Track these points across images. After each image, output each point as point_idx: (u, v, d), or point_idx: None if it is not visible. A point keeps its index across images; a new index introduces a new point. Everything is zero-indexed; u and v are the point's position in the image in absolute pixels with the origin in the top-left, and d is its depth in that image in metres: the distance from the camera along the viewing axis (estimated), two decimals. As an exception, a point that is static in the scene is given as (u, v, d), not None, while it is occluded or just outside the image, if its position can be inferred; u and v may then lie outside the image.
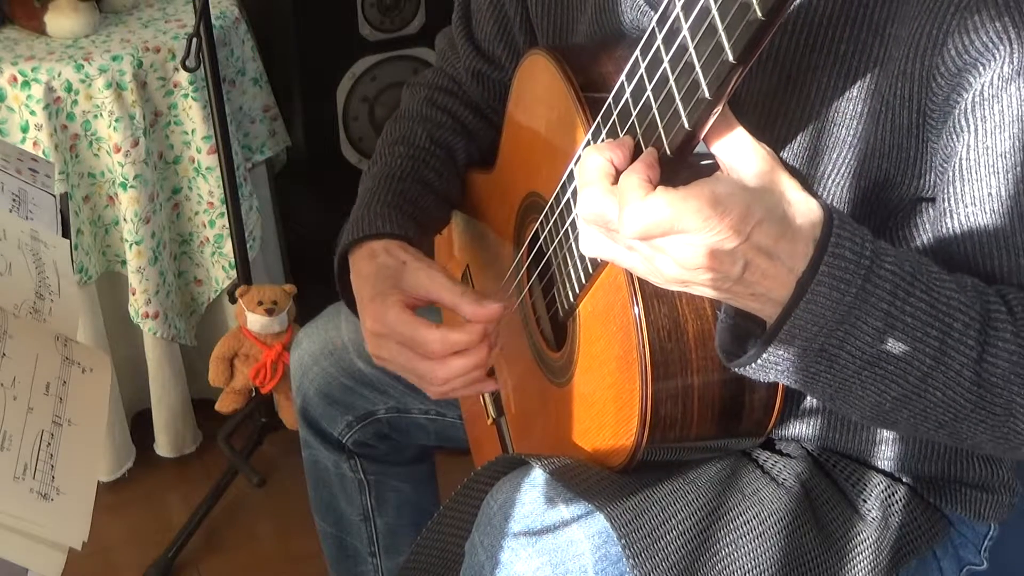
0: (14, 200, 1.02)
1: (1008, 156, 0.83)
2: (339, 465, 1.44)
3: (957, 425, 0.84)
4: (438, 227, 1.25)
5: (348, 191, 1.22)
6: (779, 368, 0.80)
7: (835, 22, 0.87)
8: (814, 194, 0.78)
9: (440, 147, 1.24)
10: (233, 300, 2.01)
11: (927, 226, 0.91)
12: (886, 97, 0.86)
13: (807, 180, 0.92)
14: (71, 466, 0.79)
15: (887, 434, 1.03)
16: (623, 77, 0.81)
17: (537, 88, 1.06)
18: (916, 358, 0.80)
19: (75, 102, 1.84)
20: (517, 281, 1.14)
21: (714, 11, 0.68)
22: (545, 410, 1.12)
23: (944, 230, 0.88)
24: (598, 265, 0.94)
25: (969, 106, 0.83)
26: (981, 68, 0.82)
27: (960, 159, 0.85)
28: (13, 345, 0.84)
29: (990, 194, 0.84)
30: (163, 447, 2.14)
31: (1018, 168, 0.84)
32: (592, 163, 0.79)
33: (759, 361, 0.80)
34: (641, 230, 0.74)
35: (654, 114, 0.77)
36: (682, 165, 0.78)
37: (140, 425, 2.15)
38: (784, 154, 0.92)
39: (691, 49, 0.71)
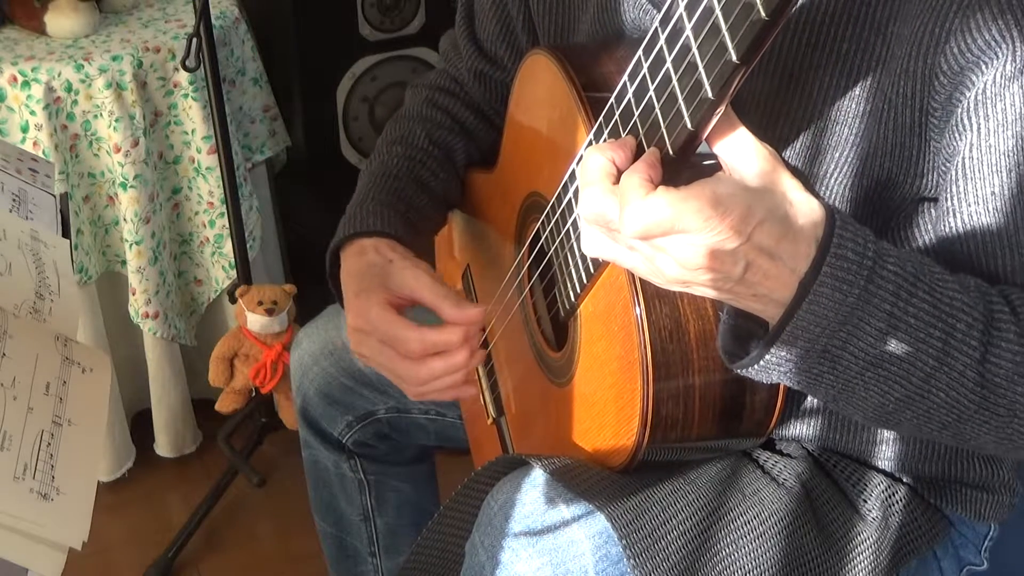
0: (14, 200, 1.02)
1: (1011, 155, 0.83)
2: (339, 465, 1.44)
3: (961, 426, 0.84)
4: (433, 227, 1.25)
5: (348, 191, 1.22)
6: (782, 369, 0.80)
7: (837, 20, 0.87)
8: (816, 194, 0.78)
9: (438, 147, 1.24)
10: (233, 300, 2.01)
11: (929, 226, 0.91)
12: (888, 95, 0.86)
13: (809, 180, 0.92)
14: (71, 466, 0.79)
15: (887, 434, 1.03)
16: (625, 77, 0.81)
17: (539, 88, 1.06)
18: (919, 359, 0.80)
19: (75, 102, 1.84)
20: (518, 281, 1.14)
21: (718, 11, 0.68)
22: (545, 410, 1.12)
23: (947, 229, 0.88)
24: (599, 265, 0.94)
25: (972, 105, 0.83)
26: (984, 66, 0.82)
27: (963, 158, 0.85)
28: (13, 345, 0.84)
29: (993, 193, 0.84)
30: (163, 447, 2.14)
31: (1021, 167, 0.84)
32: (594, 163, 0.79)
33: (762, 363, 0.80)
34: (641, 229, 0.74)
35: (657, 114, 0.77)
36: (684, 165, 0.78)
37: (140, 425, 2.15)
38: (786, 153, 0.92)
39: (694, 49, 0.71)
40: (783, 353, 0.79)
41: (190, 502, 2.03)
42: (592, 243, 0.82)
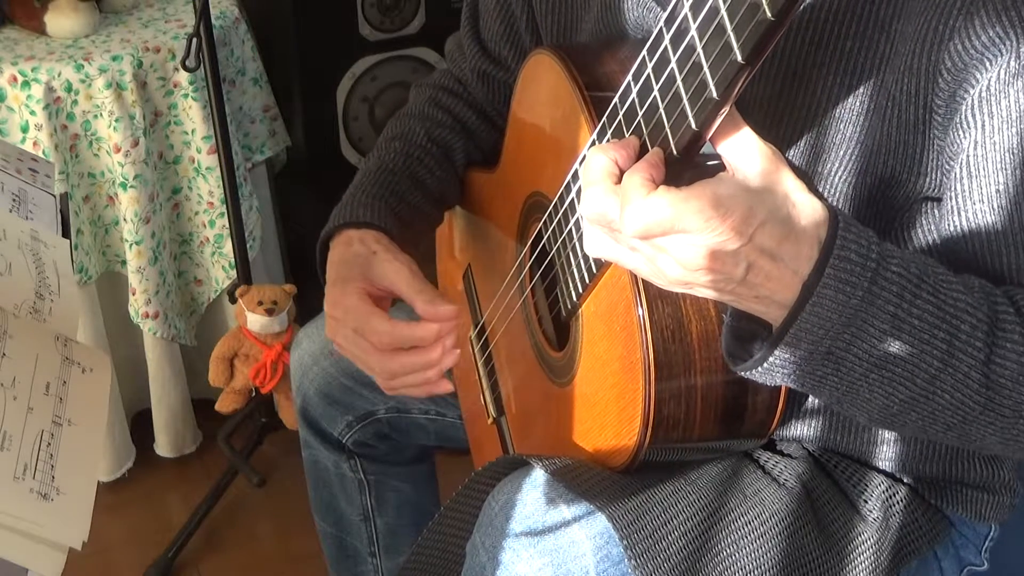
0: (14, 200, 1.02)
1: (1016, 152, 0.83)
2: (339, 465, 1.44)
3: (966, 427, 0.84)
4: (427, 224, 1.25)
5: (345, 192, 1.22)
6: (785, 371, 0.80)
7: (841, 19, 0.87)
8: (820, 196, 0.78)
9: (437, 145, 1.25)
10: (233, 300, 2.01)
11: (933, 226, 0.91)
12: (892, 93, 0.86)
13: (812, 181, 0.92)
14: (71, 466, 0.79)
15: (888, 435, 1.03)
16: (629, 77, 0.81)
17: (542, 87, 1.06)
18: (924, 360, 0.80)
19: (75, 102, 1.84)
20: (520, 281, 1.14)
21: (723, 11, 0.68)
22: (546, 410, 1.12)
23: (951, 228, 0.88)
24: (601, 265, 0.94)
25: (975, 102, 0.83)
26: (987, 64, 0.82)
27: (967, 156, 0.85)
28: (13, 345, 0.83)
29: (998, 191, 0.84)
30: (163, 447, 2.14)
31: (1026, 165, 0.84)
32: (596, 163, 0.79)
33: (765, 365, 0.80)
34: (641, 229, 0.74)
35: (661, 114, 0.77)
36: (688, 165, 0.78)
37: (140, 425, 2.15)
38: (790, 152, 0.92)
39: (699, 49, 0.71)
40: (786, 355, 0.79)
41: (190, 502, 2.03)
42: (594, 243, 0.82)
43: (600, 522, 0.95)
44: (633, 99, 0.81)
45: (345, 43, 2.26)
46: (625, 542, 0.93)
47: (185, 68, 1.78)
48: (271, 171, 2.31)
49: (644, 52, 0.78)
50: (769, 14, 0.65)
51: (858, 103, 0.89)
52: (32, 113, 1.82)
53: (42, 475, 0.77)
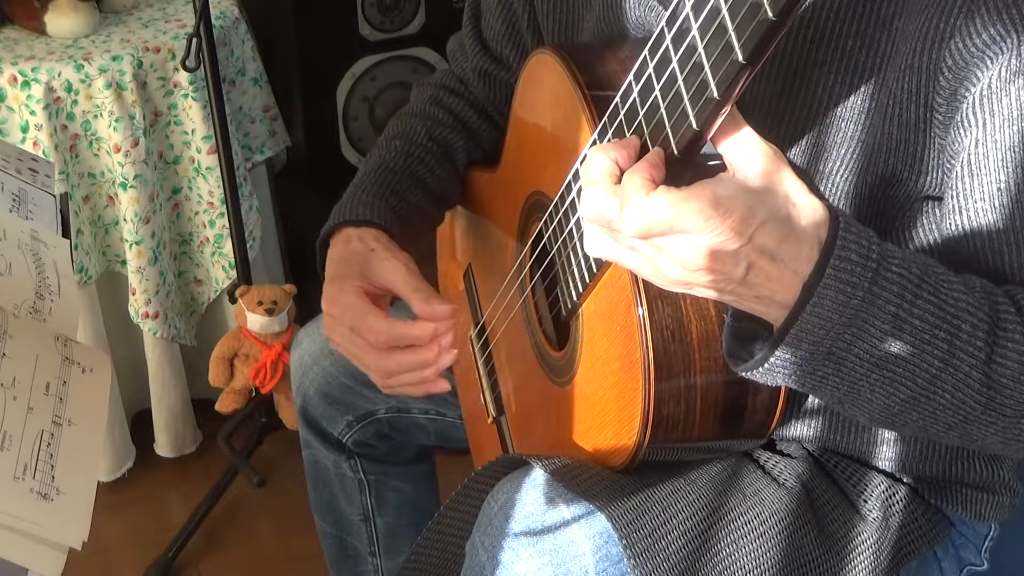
0: (14, 200, 1.02)
1: (1017, 150, 0.83)
2: (339, 465, 1.44)
3: (967, 427, 0.84)
4: (427, 223, 1.25)
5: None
6: (786, 372, 0.80)
7: (842, 17, 0.87)
8: (820, 196, 0.78)
9: (438, 144, 1.25)
10: (233, 300, 2.01)
11: (934, 225, 0.91)
12: (893, 91, 0.86)
13: (813, 181, 0.92)
14: (71, 466, 0.79)
15: (888, 435, 1.03)
16: (631, 76, 0.81)
17: (543, 87, 1.06)
18: (924, 360, 0.80)
19: (75, 102, 1.84)
20: (520, 280, 1.14)
21: (724, 11, 0.68)
22: (546, 409, 1.12)
23: (952, 227, 0.88)
24: (602, 265, 0.94)
25: (976, 101, 0.83)
26: (988, 62, 0.82)
27: (968, 155, 0.85)
28: (13, 345, 0.83)
29: (999, 189, 0.84)
30: (163, 447, 2.14)
31: (1027, 162, 0.84)
32: (596, 163, 0.79)
33: (766, 365, 0.80)
34: (641, 228, 0.74)
35: (662, 114, 0.77)
36: (688, 165, 0.78)
37: (140, 425, 2.15)
38: (791, 151, 0.92)
39: (700, 49, 0.71)
40: (787, 356, 0.79)
41: (190, 502, 2.03)
42: (594, 243, 0.82)
43: (599, 522, 0.95)
44: (634, 99, 0.81)
45: (345, 43, 2.26)
46: (624, 542, 0.93)
47: (185, 68, 1.78)
48: (271, 171, 2.31)
49: (645, 52, 0.78)
50: (770, 14, 0.65)
51: (859, 102, 0.89)
52: (32, 113, 1.82)
53: (42, 475, 0.77)
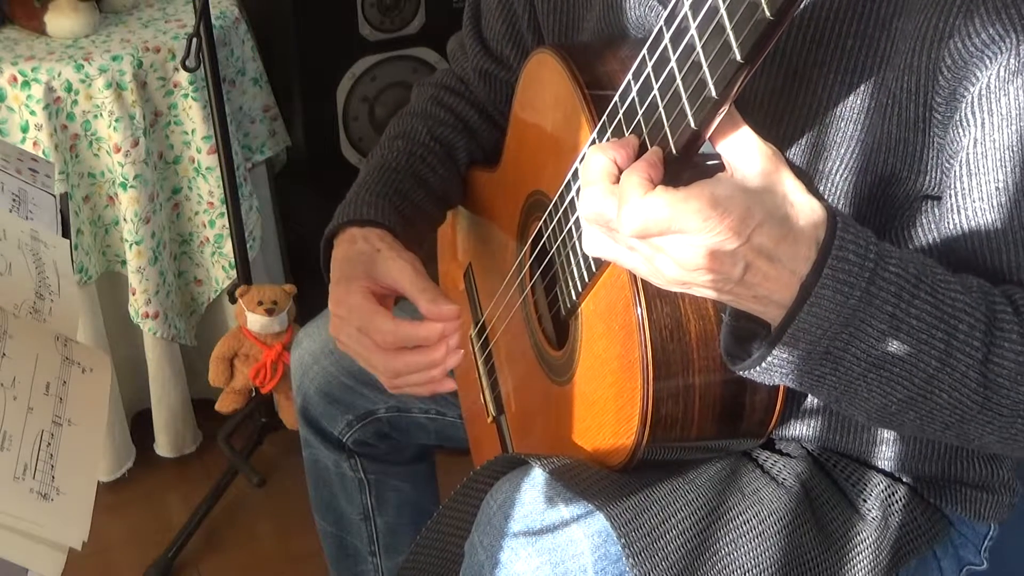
0: (14, 200, 1.02)
1: (1015, 150, 0.83)
2: (339, 464, 1.44)
3: (964, 426, 0.84)
4: (429, 223, 1.25)
5: (348, 191, 1.22)
6: (784, 371, 0.80)
7: (842, 17, 0.87)
8: (819, 196, 0.78)
9: (440, 144, 1.25)
10: (233, 300, 2.01)
11: (932, 224, 0.91)
12: (892, 91, 0.86)
13: (812, 181, 0.92)
14: (71, 466, 0.79)
15: (887, 434, 1.03)
16: (629, 76, 0.81)
17: (543, 86, 1.06)
18: (921, 360, 0.80)
19: (75, 102, 1.84)
20: (520, 279, 1.14)
21: (722, 10, 0.68)
22: (546, 408, 1.12)
23: (951, 227, 0.88)
24: (601, 264, 0.94)
25: (975, 100, 0.83)
26: (987, 61, 0.82)
27: (967, 154, 0.85)
28: (13, 345, 0.84)
29: (997, 188, 0.84)
30: (163, 447, 2.14)
31: (1026, 162, 0.84)
32: (595, 163, 0.79)
33: (763, 364, 0.80)
34: (639, 228, 0.74)
35: (660, 113, 0.77)
36: (687, 165, 0.78)
37: (140, 425, 2.15)
38: (790, 150, 0.92)
39: (698, 48, 0.71)
40: (785, 355, 0.79)
41: (190, 502, 2.03)
42: (593, 243, 0.82)
43: (598, 521, 0.95)
44: (633, 98, 0.81)
45: (345, 43, 2.26)
46: (623, 541, 0.93)
47: (185, 68, 1.78)
48: (271, 171, 2.31)
49: (644, 51, 0.78)
50: (768, 13, 0.65)
51: (859, 101, 0.89)
52: (32, 113, 1.82)
53: (42, 475, 0.77)
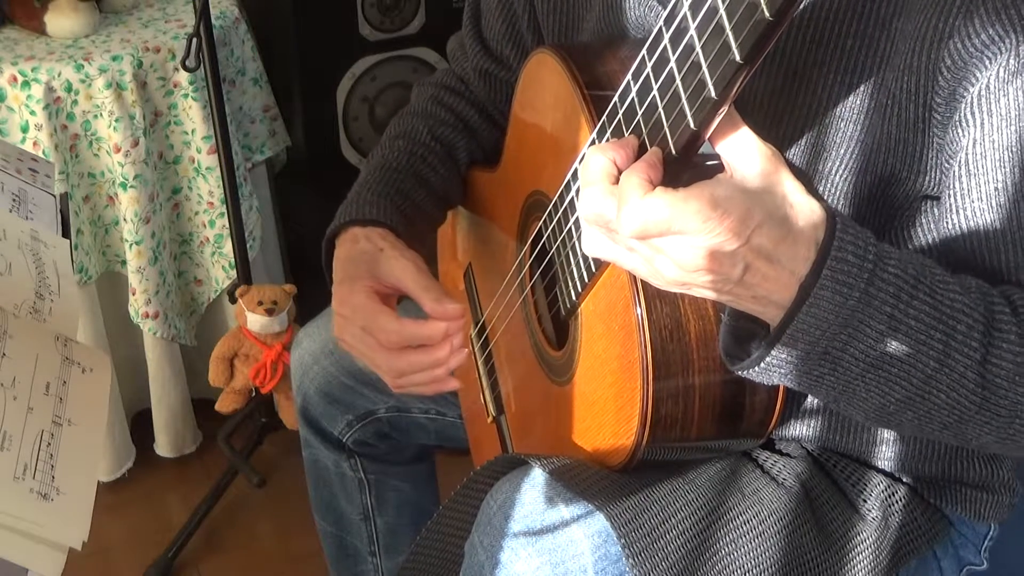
0: (14, 200, 1.02)
1: (1015, 150, 0.83)
2: (339, 464, 1.44)
3: (962, 426, 0.84)
4: (431, 222, 1.25)
5: (348, 191, 1.22)
6: (782, 371, 0.80)
7: (842, 17, 0.87)
8: (818, 196, 0.78)
9: (440, 143, 1.25)
10: (233, 300, 2.01)
11: (932, 224, 0.91)
12: (892, 91, 0.87)
13: (811, 181, 0.92)
14: (71, 466, 0.79)
15: (887, 434, 1.03)
16: (629, 76, 0.81)
17: (543, 87, 1.06)
18: (920, 360, 0.80)
19: (75, 102, 1.84)
20: (519, 279, 1.14)
21: (721, 11, 0.68)
22: (545, 409, 1.12)
23: (950, 227, 0.88)
24: (600, 265, 0.94)
25: (975, 101, 0.83)
26: (987, 62, 0.82)
27: (966, 154, 0.85)
28: (13, 345, 0.84)
29: (996, 188, 0.84)
30: (163, 447, 2.14)
31: (1025, 163, 0.84)
32: (595, 163, 0.79)
33: (762, 364, 0.80)
34: (639, 229, 0.74)
35: (660, 113, 0.77)
36: (687, 165, 0.78)
37: (140, 425, 2.15)
38: (790, 151, 0.92)
39: (698, 48, 0.71)
40: (783, 355, 0.79)
41: (190, 502, 2.03)
42: (592, 243, 0.82)
43: (598, 521, 0.95)
44: (632, 98, 0.81)
45: (345, 43, 2.26)
46: (623, 541, 0.93)
47: (185, 68, 1.78)
48: (271, 171, 2.31)
49: (644, 51, 0.78)
50: (767, 14, 0.65)
51: (858, 101, 0.89)
52: (32, 113, 1.82)
53: (42, 475, 0.77)
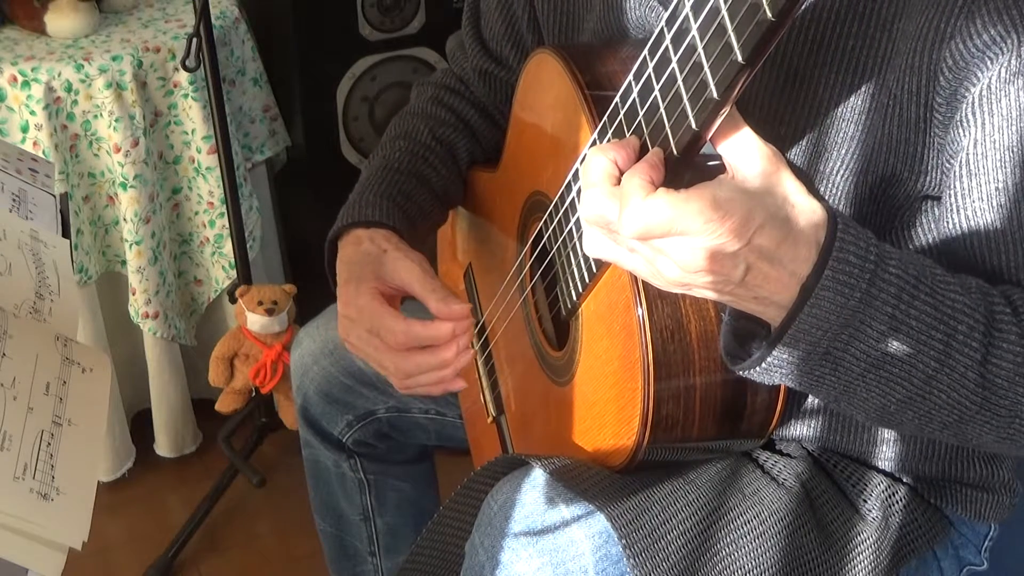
0: (14, 200, 1.02)
1: (1015, 151, 0.83)
2: (339, 464, 1.44)
3: (962, 426, 0.84)
4: (432, 223, 1.25)
5: (348, 191, 1.22)
6: (783, 371, 0.81)
7: (843, 18, 0.87)
8: (819, 197, 0.78)
9: (441, 144, 1.25)
10: (233, 300, 2.01)
11: (932, 224, 0.92)
12: (893, 91, 0.87)
13: (812, 182, 0.92)
14: (71, 466, 0.79)
15: (888, 434, 1.03)
16: (630, 77, 0.81)
17: (543, 87, 1.06)
18: (921, 360, 0.80)
19: (75, 102, 1.84)
20: (520, 280, 1.14)
21: (724, 11, 0.68)
22: (546, 409, 1.12)
23: (950, 227, 0.88)
24: (601, 265, 0.94)
25: (975, 101, 0.83)
26: (988, 63, 0.82)
27: (967, 154, 0.85)
28: (13, 345, 0.83)
29: (997, 189, 0.85)
30: (163, 447, 2.14)
31: (1026, 163, 0.84)
32: (596, 164, 0.79)
33: (764, 364, 0.80)
34: (640, 230, 0.74)
35: (661, 114, 0.77)
36: (688, 166, 0.78)
37: (140, 425, 2.15)
38: (791, 151, 0.92)
39: (700, 49, 0.71)
40: (785, 355, 0.79)
41: (190, 502, 2.03)
42: (593, 244, 0.82)
43: (599, 521, 0.95)
44: (634, 99, 0.81)
45: (345, 43, 2.26)
46: (624, 541, 0.93)
47: (185, 68, 1.78)
48: (271, 171, 2.31)
49: (645, 52, 0.78)
50: (770, 15, 0.65)
51: (860, 102, 0.89)
52: (32, 113, 1.82)
53: (42, 475, 0.77)
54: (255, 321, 1.98)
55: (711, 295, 0.79)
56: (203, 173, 1.97)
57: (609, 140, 0.84)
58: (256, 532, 2.05)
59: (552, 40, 1.14)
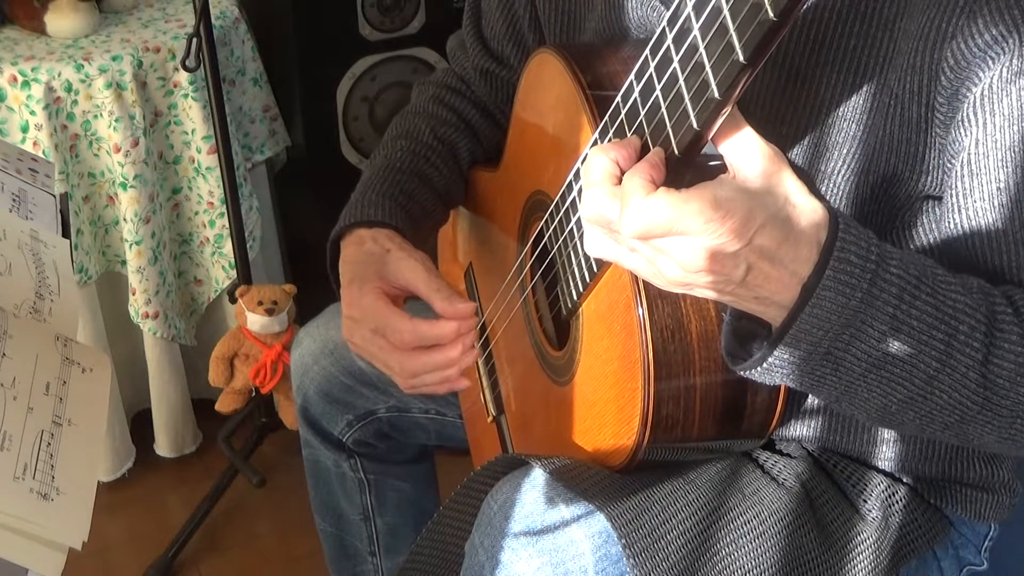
0: (14, 200, 1.02)
1: (1017, 150, 0.83)
2: (339, 464, 1.44)
3: (963, 426, 0.84)
4: (434, 222, 1.25)
5: (348, 191, 1.22)
6: (784, 371, 0.80)
7: (845, 18, 0.87)
8: (820, 197, 0.78)
9: (442, 143, 1.25)
10: (233, 300, 2.01)
11: (934, 224, 0.92)
12: (895, 91, 0.87)
13: (813, 182, 0.92)
14: (71, 466, 0.79)
15: (888, 435, 1.03)
16: (632, 76, 0.81)
17: (544, 87, 1.06)
18: (922, 361, 0.80)
19: (75, 102, 1.84)
20: (520, 279, 1.14)
21: (725, 11, 0.68)
22: (546, 409, 1.12)
23: (952, 226, 0.88)
24: (602, 265, 0.94)
25: (977, 100, 0.83)
26: (989, 62, 0.82)
27: (968, 154, 0.85)
28: (13, 345, 0.83)
29: (999, 188, 0.85)
30: (163, 447, 2.14)
31: (1027, 163, 0.84)
32: (597, 164, 0.79)
33: (765, 364, 0.80)
34: (641, 230, 0.74)
35: (662, 114, 0.77)
36: (689, 165, 0.78)
37: (140, 425, 2.15)
38: (793, 151, 0.92)
39: (701, 49, 0.71)
40: (786, 355, 0.79)
41: (190, 502, 2.03)
42: (594, 244, 0.82)
43: (599, 521, 0.95)
44: (635, 98, 0.81)
45: (345, 43, 2.26)
46: (624, 541, 0.93)
47: (185, 68, 1.78)
48: (271, 171, 2.31)
49: (647, 51, 0.78)
50: (771, 14, 0.65)
51: (861, 101, 0.89)
52: (32, 113, 1.82)
53: (42, 475, 0.77)
54: (255, 321, 1.98)
55: (712, 295, 0.79)
56: (203, 173, 1.97)
57: (610, 140, 0.84)
58: (256, 532, 2.05)
59: (553, 39, 1.14)
